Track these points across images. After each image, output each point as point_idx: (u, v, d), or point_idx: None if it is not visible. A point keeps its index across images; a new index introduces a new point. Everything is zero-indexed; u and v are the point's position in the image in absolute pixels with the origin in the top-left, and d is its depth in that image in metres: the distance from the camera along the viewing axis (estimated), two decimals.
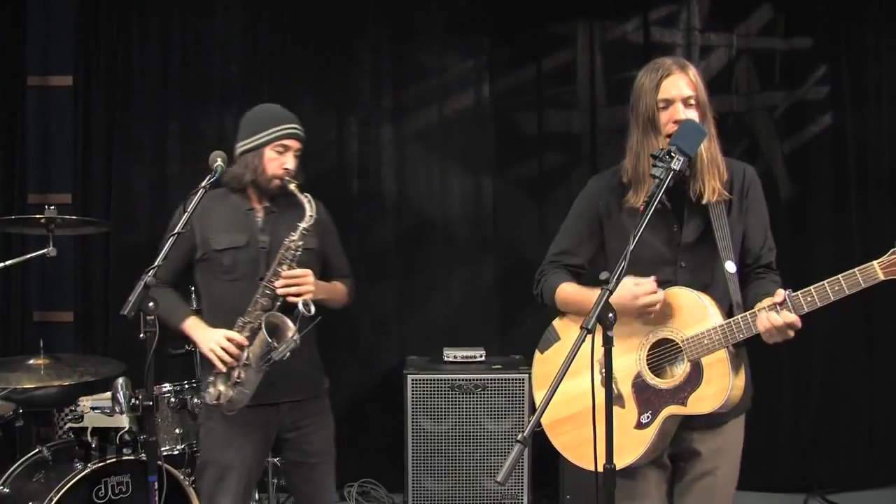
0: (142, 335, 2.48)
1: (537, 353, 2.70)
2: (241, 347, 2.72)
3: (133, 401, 3.28)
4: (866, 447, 4.96)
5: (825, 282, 2.17)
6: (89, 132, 5.04)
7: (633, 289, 2.31)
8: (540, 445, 4.34)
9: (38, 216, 3.55)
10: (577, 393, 2.38)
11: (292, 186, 2.82)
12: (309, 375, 2.95)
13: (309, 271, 2.78)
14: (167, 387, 3.81)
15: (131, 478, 3.35)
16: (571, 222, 2.70)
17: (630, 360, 2.43)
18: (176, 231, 2.61)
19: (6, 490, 3.29)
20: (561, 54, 5.10)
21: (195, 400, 3.86)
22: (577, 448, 2.50)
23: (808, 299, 2.19)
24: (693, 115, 2.43)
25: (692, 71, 2.49)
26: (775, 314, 2.20)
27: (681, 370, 2.35)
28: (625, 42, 5.07)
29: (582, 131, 5.08)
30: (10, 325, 4.98)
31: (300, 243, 2.76)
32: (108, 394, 3.61)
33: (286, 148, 2.87)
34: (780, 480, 4.81)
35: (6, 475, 3.33)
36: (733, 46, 5.00)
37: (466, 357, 4.49)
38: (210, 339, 2.77)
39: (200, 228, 2.89)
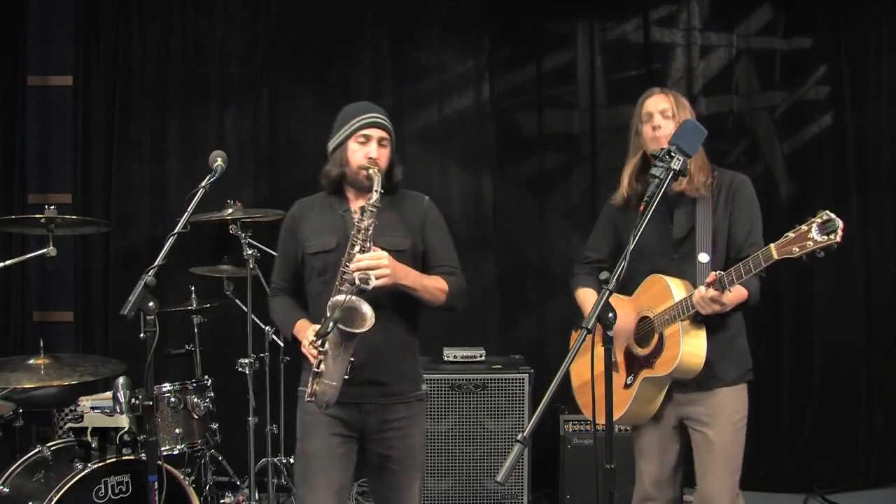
0: (142, 335, 2.48)
1: (573, 332, 3.17)
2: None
3: (133, 401, 3.27)
4: (866, 447, 4.96)
5: (740, 262, 2.54)
6: (89, 132, 5.04)
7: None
8: (540, 445, 4.37)
9: (38, 216, 3.55)
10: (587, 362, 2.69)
11: (372, 171, 2.72)
12: (396, 380, 2.81)
13: (383, 253, 2.63)
14: (167, 386, 3.82)
15: (131, 478, 3.35)
16: (596, 225, 3.18)
17: (625, 333, 2.91)
18: (176, 231, 2.61)
19: (6, 490, 3.29)
20: (561, 54, 5.10)
21: (195, 399, 3.87)
22: (589, 406, 2.77)
23: (730, 278, 2.56)
24: (671, 127, 2.80)
25: (674, 94, 2.94)
26: (703, 289, 2.61)
27: (653, 341, 2.83)
28: (625, 42, 5.08)
29: (582, 131, 5.08)
30: (11, 324, 4.98)
31: (369, 222, 2.65)
32: (109, 394, 3.61)
33: (368, 138, 2.79)
34: (781, 480, 4.81)
35: (6, 475, 3.33)
36: (733, 46, 5.00)
37: (466, 357, 4.48)
38: (304, 337, 2.71)
39: (300, 232, 2.87)
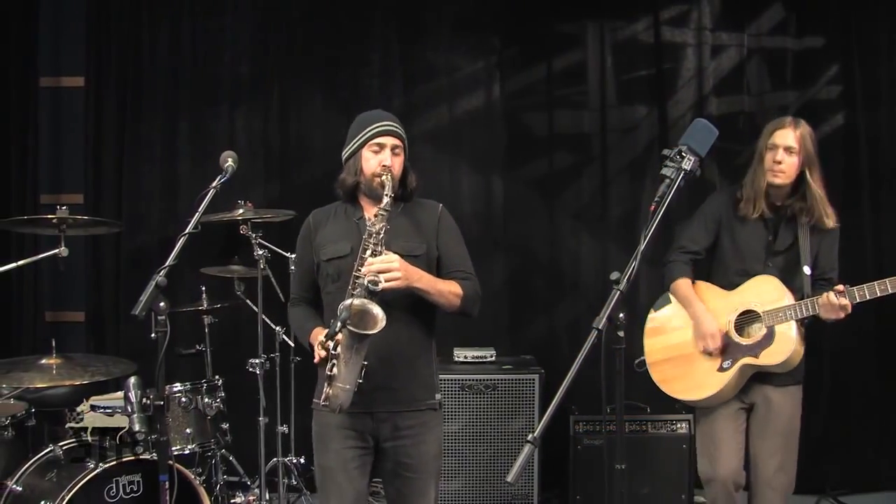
0: (153, 335, 2.49)
1: (651, 311, 3.51)
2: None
3: (144, 400, 3.27)
4: (878, 449, 4.93)
5: (875, 282, 2.99)
6: (100, 132, 5.06)
7: (708, 335, 3.26)
8: (550, 446, 4.37)
9: (50, 216, 3.56)
10: (677, 343, 3.36)
11: (385, 178, 2.73)
12: (409, 387, 2.80)
13: (394, 256, 2.65)
14: (178, 386, 3.83)
15: (142, 477, 3.36)
16: (695, 220, 3.43)
17: (722, 322, 3.25)
18: (187, 231, 2.61)
19: (19, 488, 3.30)
20: (571, 54, 5.09)
21: (206, 399, 3.88)
22: (668, 382, 3.38)
23: (860, 293, 2.99)
24: (792, 162, 3.16)
25: (802, 129, 3.20)
26: (834, 295, 3.01)
27: (758, 332, 3.18)
28: (635, 42, 5.06)
29: (592, 131, 5.07)
30: (23, 324, 5.01)
31: (381, 226, 2.66)
32: (112, 394, 3.65)
33: (381, 146, 2.80)
34: None
35: (19, 473, 3.35)
36: (744, 46, 4.99)
37: (477, 357, 4.48)
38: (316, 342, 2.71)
39: (316, 241, 2.88)
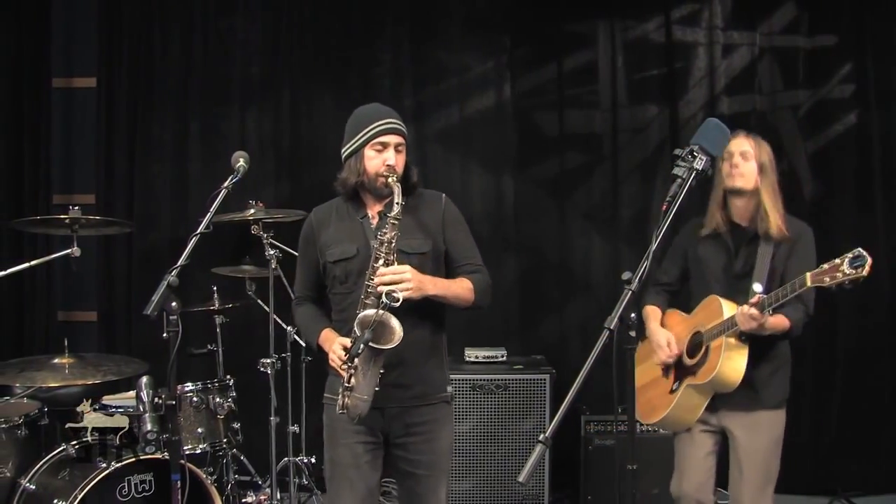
0: (164, 335, 2.49)
1: (640, 341, 3.32)
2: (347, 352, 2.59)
3: (156, 400, 3.29)
4: (890, 450, 4.90)
5: (779, 288, 2.85)
6: (112, 133, 5.09)
7: (657, 347, 3.23)
8: (561, 446, 4.36)
9: (62, 217, 3.58)
10: (647, 369, 3.29)
11: (391, 180, 2.69)
12: (420, 382, 2.79)
13: (406, 266, 2.63)
14: (189, 386, 3.84)
15: (154, 476, 3.38)
16: (668, 253, 3.39)
17: (679, 346, 3.21)
18: (198, 231, 2.62)
19: (32, 487, 3.33)
20: (582, 54, 5.08)
21: (217, 399, 3.89)
22: (639, 406, 3.24)
23: (769, 301, 2.83)
24: (751, 167, 3.08)
25: (757, 139, 3.14)
26: (746, 307, 2.87)
27: (700, 352, 3.10)
28: (646, 41, 5.05)
29: (603, 131, 5.06)
30: (36, 324, 5.04)
31: (392, 234, 2.64)
32: (124, 393, 3.66)
33: (385, 145, 2.76)
34: (804, 483, 4.76)
35: (32, 472, 3.37)
36: (756, 45, 4.96)
37: (487, 357, 4.48)
38: (331, 349, 2.70)
39: (320, 240, 2.86)
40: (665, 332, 3.24)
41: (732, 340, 2.98)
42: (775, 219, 3.05)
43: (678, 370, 3.19)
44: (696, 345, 3.14)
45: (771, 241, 3.06)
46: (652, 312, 3.35)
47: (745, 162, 3.08)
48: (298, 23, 5.10)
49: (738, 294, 3.05)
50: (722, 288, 3.13)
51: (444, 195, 2.93)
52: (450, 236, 2.87)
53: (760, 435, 3.09)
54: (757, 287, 2.95)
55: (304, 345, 4.35)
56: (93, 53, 5.14)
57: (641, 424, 3.89)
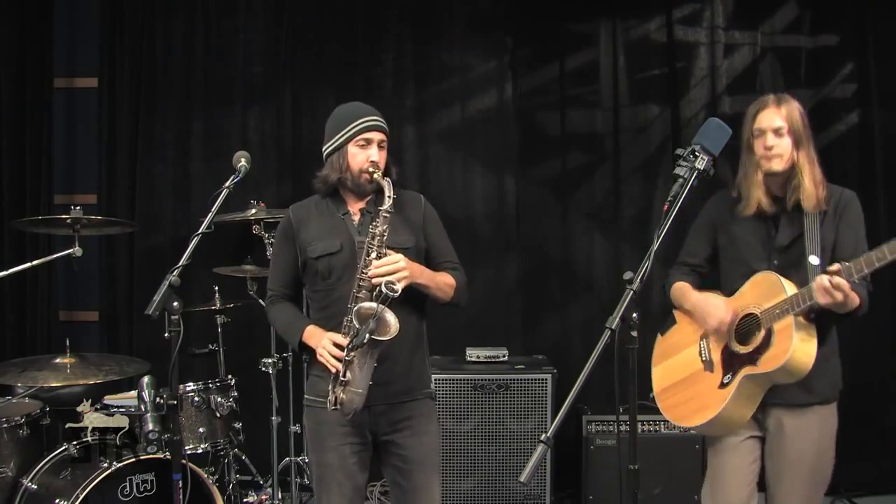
0: (166, 334, 2.50)
1: (658, 336, 3.09)
2: (341, 347, 2.62)
3: (158, 400, 3.30)
4: (892, 450, 4.90)
5: (864, 253, 2.48)
6: (114, 133, 5.09)
7: (715, 311, 2.81)
8: (563, 446, 4.36)
9: (64, 216, 3.58)
10: (682, 363, 2.92)
11: (376, 176, 2.74)
12: (404, 378, 2.80)
13: (399, 255, 2.67)
14: (191, 386, 3.85)
15: (156, 476, 3.38)
16: (691, 233, 3.07)
17: (723, 331, 2.81)
18: (200, 231, 2.63)
19: (34, 486, 3.33)
20: (584, 53, 5.08)
21: (219, 399, 3.89)
22: (673, 408, 2.93)
23: (858, 266, 2.45)
24: (785, 143, 2.76)
25: (788, 105, 2.81)
26: (825, 277, 2.48)
27: (758, 337, 2.70)
28: (648, 41, 5.05)
29: (605, 131, 5.06)
30: (37, 324, 5.04)
31: (384, 227, 2.68)
32: (126, 393, 3.66)
33: (368, 141, 2.79)
34: None
35: (34, 472, 3.38)
36: (758, 44, 4.96)
37: (489, 357, 4.48)
38: (319, 344, 2.71)
39: (300, 237, 2.86)
40: (717, 295, 2.87)
41: (801, 318, 2.62)
42: (812, 188, 2.74)
43: (728, 360, 2.79)
44: (749, 329, 2.74)
45: (814, 209, 2.76)
46: (682, 286, 2.97)
47: (780, 139, 2.76)
48: (300, 22, 5.10)
49: (786, 268, 2.74)
50: (762, 264, 2.80)
51: (423, 196, 2.98)
52: (430, 235, 2.92)
53: (813, 433, 2.79)
54: (813, 259, 2.68)
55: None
56: (95, 53, 5.14)
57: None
